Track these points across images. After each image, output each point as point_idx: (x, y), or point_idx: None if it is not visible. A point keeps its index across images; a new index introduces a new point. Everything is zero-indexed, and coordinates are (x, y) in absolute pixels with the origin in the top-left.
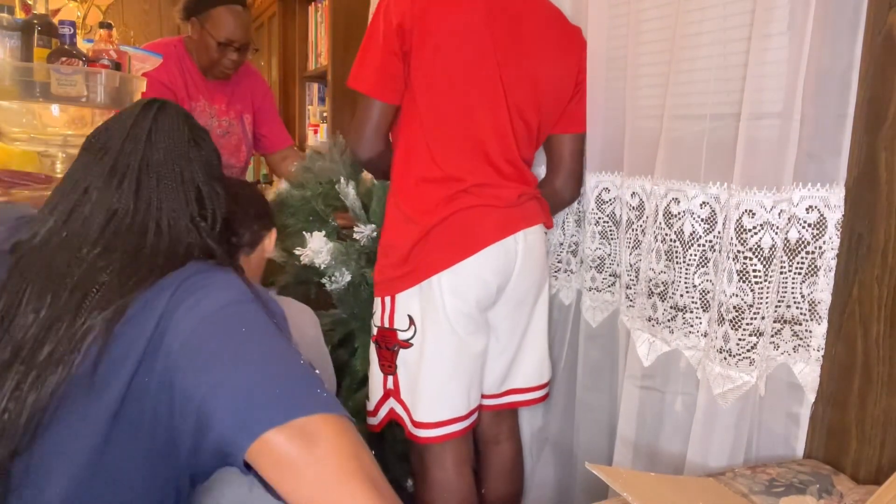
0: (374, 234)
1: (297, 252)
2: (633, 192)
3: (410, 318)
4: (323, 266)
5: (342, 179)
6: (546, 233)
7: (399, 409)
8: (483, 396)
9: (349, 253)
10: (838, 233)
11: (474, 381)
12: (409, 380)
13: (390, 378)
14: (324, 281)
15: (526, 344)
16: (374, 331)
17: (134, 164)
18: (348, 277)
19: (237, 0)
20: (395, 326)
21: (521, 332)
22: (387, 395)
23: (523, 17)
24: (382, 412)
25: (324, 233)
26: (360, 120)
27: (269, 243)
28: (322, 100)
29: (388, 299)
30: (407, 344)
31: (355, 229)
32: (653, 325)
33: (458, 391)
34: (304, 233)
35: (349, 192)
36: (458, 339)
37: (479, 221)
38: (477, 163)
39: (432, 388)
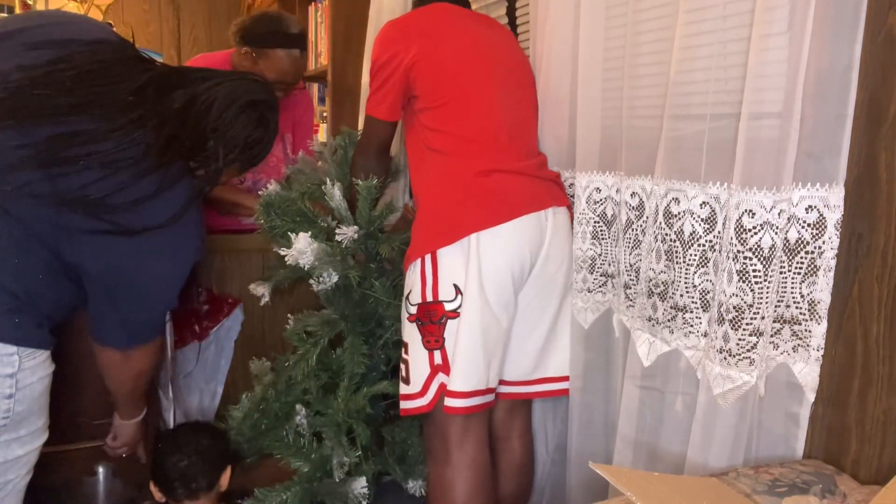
0: (356, 235)
1: (281, 252)
2: (633, 192)
3: (456, 287)
4: (307, 266)
5: (328, 180)
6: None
7: (449, 384)
8: (514, 384)
9: (334, 253)
10: (838, 233)
11: (494, 358)
12: (452, 349)
13: (437, 353)
14: (311, 281)
15: (559, 331)
16: (413, 310)
17: (212, 96)
18: (335, 278)
19: (299, 44)
20: (441, 298)
21: (552, 318)
22: (435, 371)
23: (498, 39)
24: (433, 389)
25: (310, 233)
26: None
27: None
28: (322, 100)
29: (429, 271)
30: (455, 314)
31: (337, 231)
32: (653, 325)
33: (482, 363)
34: (289, 233)
35: (335, 193)
36: (489, 309)
37: (516, 188)
38: (507, 139)
39: (467, 354)
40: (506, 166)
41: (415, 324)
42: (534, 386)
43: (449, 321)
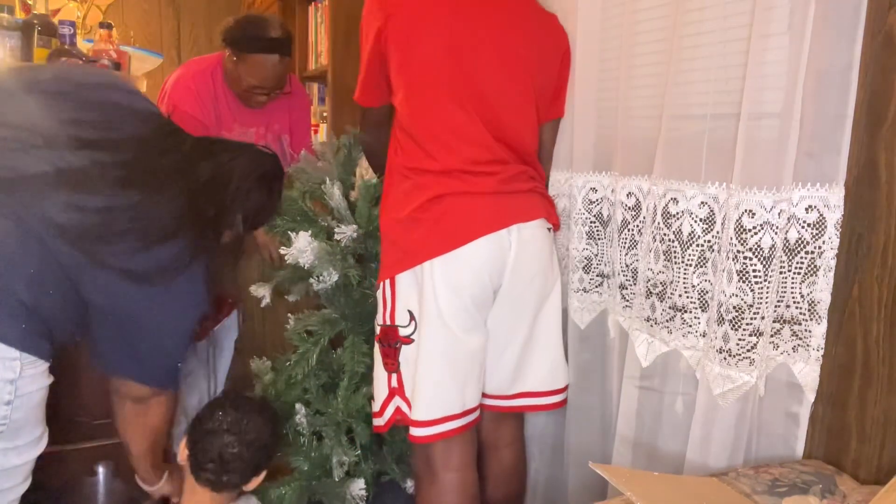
0: (355, 234)
1: (282, 252)
2: (629, 192)
3: (410, 313)
4: (307, 265)
5: (328, 180)
6: (550, 229)
7: (404, 407)
8: (494, 397)
9: (335, 252)
10: (838, 233)
11: (470, 378)
12: (410, 376)
13: (394, 376)
14: (311, 280)
15: (535, 346)
16: (377, 330)
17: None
18: (335, 277)
19: (278, 49)
20: (397, 323)
21: (526, 333)
22: (392, 393)
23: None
24: (389, 411)
25: (310, 232)
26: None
27: None
28: (322, 100)
29: (388, 296)
30: (408, 340)
31: (336, 230)
32: (651, 326)
33: (452, 388)
34: (289, 232)
35: (334, 192)
36: (451, 334)
37: (470, 210)
38: (467, 146)
39: (429, 384)
40: (460, 188)
41: (378, 344)
42: (514, 400)
43: (403, 346)
